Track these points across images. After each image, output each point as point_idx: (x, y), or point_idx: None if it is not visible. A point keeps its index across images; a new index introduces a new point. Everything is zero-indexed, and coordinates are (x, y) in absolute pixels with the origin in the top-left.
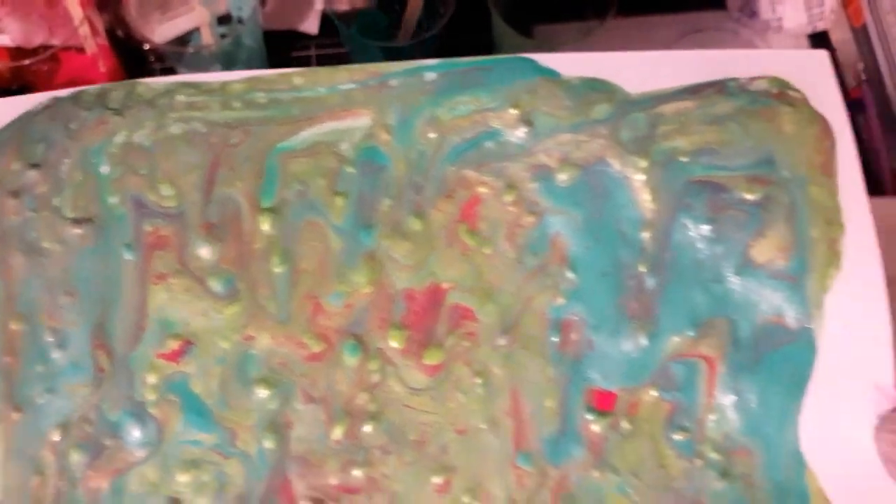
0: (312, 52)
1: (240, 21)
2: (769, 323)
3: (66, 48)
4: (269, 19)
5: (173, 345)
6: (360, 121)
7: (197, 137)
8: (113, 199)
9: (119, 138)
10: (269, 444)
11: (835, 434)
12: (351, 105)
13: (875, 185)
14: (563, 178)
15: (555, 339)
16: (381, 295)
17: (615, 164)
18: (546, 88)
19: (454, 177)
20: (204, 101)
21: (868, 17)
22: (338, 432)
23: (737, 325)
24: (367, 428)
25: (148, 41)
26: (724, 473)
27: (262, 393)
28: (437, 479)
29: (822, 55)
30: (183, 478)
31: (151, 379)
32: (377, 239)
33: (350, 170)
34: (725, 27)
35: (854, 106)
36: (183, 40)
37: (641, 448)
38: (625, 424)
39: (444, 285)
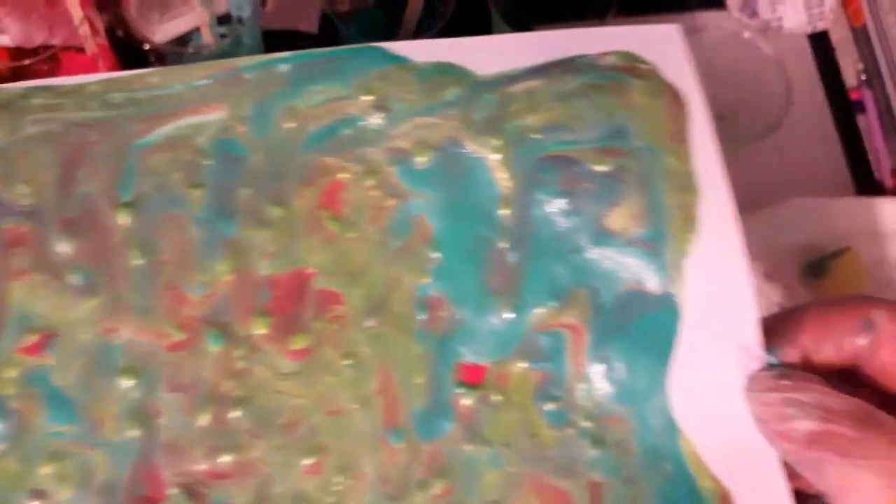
0: None
1: (240, 21)
2: (630, 290)
3: (66, 48)
4: (269, 19)
5: (33, 339)
6: (216, 114)
7: (53, 137)
8: None
9: None
10: (134, 432)
11: (705, 397)
12: (206, 100)
13: (875, 186)
14: (420, 160)
15: (422, 317)
16: (244, 283)
17: (469, 145)
18: (397, 74)
19: (314, 164)
20: (60, 104)
21: (868, 17)
22: (204, 419)
23: (598, 293)
24: (235, 414)
25: (148, 41)
26: (598, 441)
27: (126, 383)
28: (307, 461)
29: (672, 29)
30: (45, 469)
31: (11, 373)
32: (238, 228)
33: (207, 162)
34: (725, 27)
35: (854, 106)
36: (183, 40)
37: (512, 419)
38: (495, 397)
39: (309, 270)
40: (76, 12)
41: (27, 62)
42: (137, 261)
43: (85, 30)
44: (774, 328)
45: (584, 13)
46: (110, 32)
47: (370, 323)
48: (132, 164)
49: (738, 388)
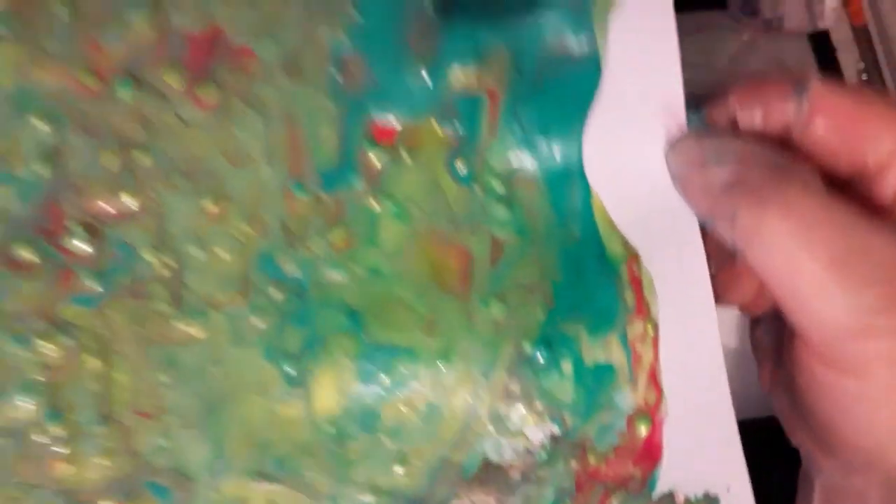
0: None
1: None
2: (553, 46)
3: None
4: None
5: None
6: None
7: None
8: None
9: None
10: (39, 169)
11: (622, 157)
12: None
13: None
14: None
15: (336, 74)
16: (159, 34)
17: None
18: None
19: None
20: None
21: (869, 17)
22: (108, 160)
23: (520, 52)
24: (139, 157)
25: None
26: (505, 201)
27: (37, 124)
28: (210, 206)
29: None
30: None
31: None
32: None
33: None
34: (726, 27)
35: None
36: None
37: (420, 178)
38: (405, 156)
39: (223, 25)
40: None
41: None
42: (58, 9)
43: None
44: (704, 93)
45: None
46: None
47: (281, 77)
48: None
49: (656, 149)
